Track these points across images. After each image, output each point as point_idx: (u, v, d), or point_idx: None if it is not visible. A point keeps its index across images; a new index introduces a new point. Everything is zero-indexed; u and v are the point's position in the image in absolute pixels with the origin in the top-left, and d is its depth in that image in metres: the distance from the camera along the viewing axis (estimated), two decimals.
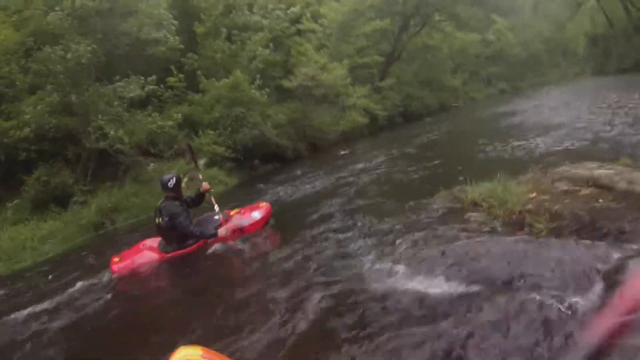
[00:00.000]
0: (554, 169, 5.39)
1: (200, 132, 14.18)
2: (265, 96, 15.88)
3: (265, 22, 17.69)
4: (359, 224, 5.64)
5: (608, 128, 9.27)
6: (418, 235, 4.39)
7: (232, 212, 6.33)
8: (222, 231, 5.89)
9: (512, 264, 3.20)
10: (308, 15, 21.49)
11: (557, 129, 10.52)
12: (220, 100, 15.13)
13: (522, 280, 2.98)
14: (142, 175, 11.80)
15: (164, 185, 5.84)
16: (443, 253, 3.68)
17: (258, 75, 16.08)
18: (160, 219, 5.75)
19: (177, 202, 5.82)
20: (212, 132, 14.25)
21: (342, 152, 16.43)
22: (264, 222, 6.30)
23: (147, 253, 5.91)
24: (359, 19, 24.32)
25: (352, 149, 17.06)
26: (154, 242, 6.06)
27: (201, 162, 12.72)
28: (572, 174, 4.94)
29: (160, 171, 11.40)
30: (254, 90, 15.37)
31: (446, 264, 3.50)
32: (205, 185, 6.40)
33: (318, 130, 19.28)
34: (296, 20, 20.41)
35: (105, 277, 5.78)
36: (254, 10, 18.05)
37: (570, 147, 8.22)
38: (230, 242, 5.88)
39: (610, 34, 33.24)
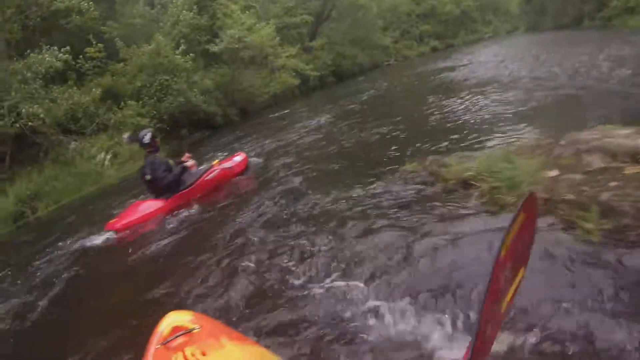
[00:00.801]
0: (565, 135, 4.10)
1: (122, 103, 13.88)
2: (190, 62, 15.67)
3: None
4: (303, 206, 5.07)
5: (572, 82, 9.08)
6: (388, 236, 3.59)
7: (214, 163, 7.14)
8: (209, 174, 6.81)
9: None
10: None
11: (514, 83, 10.59)
12: (143, 68, 14.80)
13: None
14: (63, 155, 11.38)
15: (140, 142, 6.41)
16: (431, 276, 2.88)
17: (182, 40, 15.84)
18: (149, 176, 6.32)
19: (157, 154, 6.43)
20: (134, 103, 13.98)
21: (276, 114, 16.58)
22: (244, 165, 7.34)
23: (146, 205, 6.43)
24: None
25: (289, 110, 17.11)
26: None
27: (124, 136, 12.58)
28: (603, 143, 3.57)
29: (82, 150, 11.29)
30: (177, 56, 15.11)
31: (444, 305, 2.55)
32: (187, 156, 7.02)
33: (248, 94, 19.33)
34: None
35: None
36: None
37: (549, 105, 7.54)
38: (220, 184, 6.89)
39: None
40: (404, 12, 39.91)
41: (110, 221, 6.20)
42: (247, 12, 20.50)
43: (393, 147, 6.51)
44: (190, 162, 6.85)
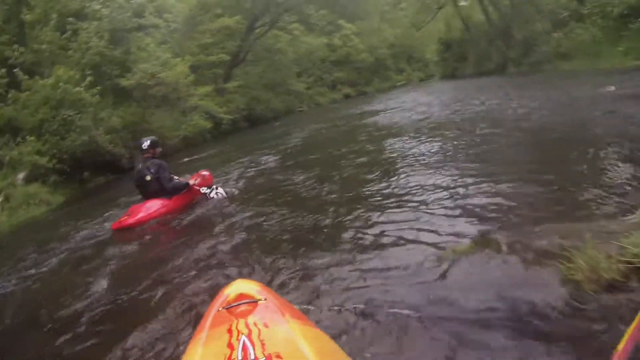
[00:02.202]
0: None
1: (20, 139, 12.64)
2: (97, 96, 14.75)
3: (105, 10, 16.35)
4: None
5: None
6: None
7: (189, 176, 7.87)
8: (192, 181, 7.49)
9: None
10: (151, 9, 20.40)
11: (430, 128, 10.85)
12: (48, 100, 13.63)
13: None
14: None
15: (140, 147, 7.12)
16: None
17: (90, 72, 14.89)
18: (149, 176, 6.92)
19: (156, 159, 7.08)
20: (34, 139, 12.76)
21: (185, 160, 15.95)
22: (211, 179, 8.06)
23: (151, 203, 7.01)
24: (206, 14, 23.75)
25: (199, 156, 16.38)
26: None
27: (20, 176, 11.41)
28: None
29: None
30: (80, 89, 14.08)
31: None
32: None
33: (158, 135, 18.27)
34: (139, 14, 19.24)
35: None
36: None
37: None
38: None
39: (468, 38, 37.00)
40: (319, 58, 40.90)
41: (119, 219, 6.84)
42: (162, 46, 19.84)
43: (339, 211, 5.54)
44: (192, 182, 7.52)
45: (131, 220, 6.68)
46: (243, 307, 1.98)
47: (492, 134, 8.65)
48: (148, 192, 7.08)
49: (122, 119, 16.69)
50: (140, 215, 6.79)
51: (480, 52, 33.85)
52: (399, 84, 47.49)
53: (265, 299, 2.04)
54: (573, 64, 20.93)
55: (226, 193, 7.56)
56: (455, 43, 38.94)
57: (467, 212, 4.44)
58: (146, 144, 7.06)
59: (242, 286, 2.19)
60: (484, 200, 4.68)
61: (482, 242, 3.28)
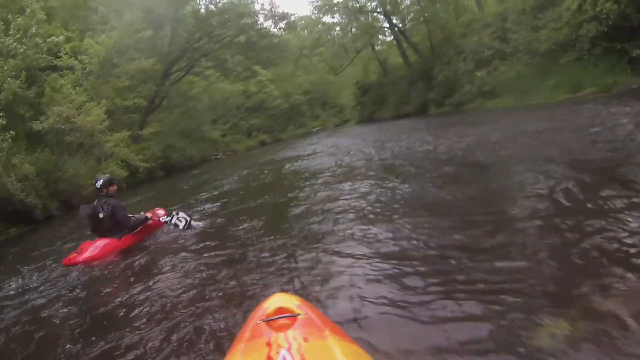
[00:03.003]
0: None
1: None
2: (9, 140, 13.60)
3: (21, 48, 15.27)
4: None
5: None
6: None
7: (143, 213, 7.82)
8: (148, 216, 7.62)
9: None
10: (67, 49, 19.40)
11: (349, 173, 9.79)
12: None
13: None
14: None
15: (95, 186, 7.14)
16: None
17: (1, 113, 13.75)
18: (102, 214, 6.93)
19: (112, 199, 7.12)
20: None
21: None
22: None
23: (102, 241, 6.92)
24: (122, 56, 22.99)
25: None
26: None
27: None
28: None
29: None
30: None
31: None
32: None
33: (73, 184, 17.39)
34: (54, 54, 18.22)
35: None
36: (10, 31, 15.55)
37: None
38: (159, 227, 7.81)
39: (386, 81, 37.91)
40: (234, 105, 40.80)
41: (68, 256, 6.74)
42: (77, 88, 18.82)
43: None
44: (150, 215, 7.67)
45: (81, 258, 6.63)
46: (282, 321, 2.00)
47: (417, 174, 8.50)
48: (99, 230, 7.11)
49: (35, 165, 15.50)
50: (92, 252, 6.75)
51: (399, 95, 34.84)
52: (314, 129, 48.41)
53: (305, 314, 2.06)
54: (498, 101, 21.84)
55: (189, 217, 7.55)
56: (372, 86, 40.20)
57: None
58: (99, 182, 7.14)
59: (281, 300, 2.22)
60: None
61: None
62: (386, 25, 39.38)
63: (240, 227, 6.84)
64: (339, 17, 41.82)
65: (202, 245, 6.31)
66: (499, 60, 23.77)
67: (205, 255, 5.70)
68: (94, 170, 19.40)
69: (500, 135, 11.33)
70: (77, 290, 5.55)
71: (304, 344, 1.76)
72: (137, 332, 3.79)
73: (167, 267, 5.54)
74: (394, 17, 37.43)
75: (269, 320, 2.00)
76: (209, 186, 14.79)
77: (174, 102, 30.66)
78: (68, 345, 3.90)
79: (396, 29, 37.09)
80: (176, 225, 7.45)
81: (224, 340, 3.22)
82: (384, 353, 2.63)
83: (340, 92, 52.68)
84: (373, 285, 3.61)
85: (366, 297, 3.40)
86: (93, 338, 3.87)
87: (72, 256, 6.71)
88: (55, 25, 19.30)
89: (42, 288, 5.96)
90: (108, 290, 5.34)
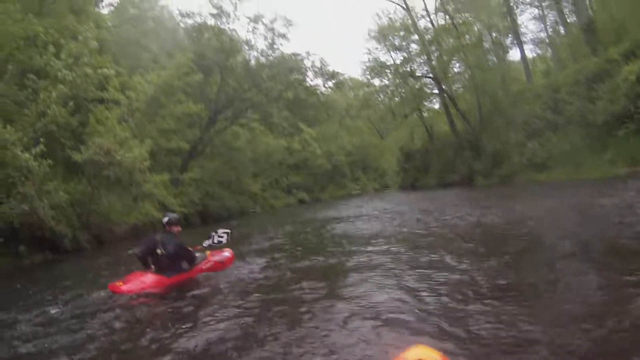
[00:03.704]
0: None
1: None
2: (47, 167, 13.38)
3: (70, 75, 15.25)
4: None
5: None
6: None
7: (207, 253, 8.08)
8: (205, 263, 7.79)
9: None
10: (116, 82, 19.55)
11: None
12: None
13: None
14: None
15: (163, 220, 7.32)
16: None
17: (42, 140, 13.55)
18: (160, 251, 7.00)
19: (174, 237, 7.21)
20: None
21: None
22: (232, 260, 8.34)
23: (151, 276, 6.99)
24: (170, 97, 23.13)
25: None
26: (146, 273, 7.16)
27: None
28: None
29: None
30: (29, 157, 12.75)
31: None
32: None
33: (106, 219, 17.17)
34: (103, 87, 18.33)
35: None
36: (62, 56, 15.54)
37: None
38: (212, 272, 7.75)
39: (432, 148, 37.24)
40: (276, 160, 40.76)
41: (114, 283, 6.82)
42: (122, 124, 18.76)
43: None
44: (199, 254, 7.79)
45: (125, 288, 6.68)
46: None
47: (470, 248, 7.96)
48: (154, 264, 7.18)
49: (69, 195, 15.23)
50: (137, 285, 6.78)
51: (444, 163, 34.17)
52: (354, 192, 47.88)
53: None
54: (550, 174, 20.96)
55: (229, 229, 8.33)
56: (417, 152, 39.51)
57: None
58: (167, 219, 7.31)
59: (421, 353, 2.15)
60: None
61: None
62: (435, 91, 39.22)
63: (287, 282, 6.76)
64: (388, 80, 41.90)
65: (248, 294, 6.26)
66: (551, 132, 23.10)
67: (251, 306, 5.58)
68: (129, 208, 19.14)
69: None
70: (108, 323, 5.38)
71: None
72: None
73: (211, 314, 5.34)
74: (443, 85, 37.15)
75: None
76: (249, 239, 14.11)
77: (217, 150, 30.72)
78: None
79: (445, 94, 36.73)
80: (220, 242, 8.22)
81: None
82: None
83: (382, 156, 52.43)
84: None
85: None
86: None
87: (118, 284, 6.76)
88: (106, 58, 19.41)
89: (63, 318, 5.82)
90: (140, 328, 5.16)
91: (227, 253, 8.38)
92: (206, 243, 8.16)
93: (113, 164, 17.12)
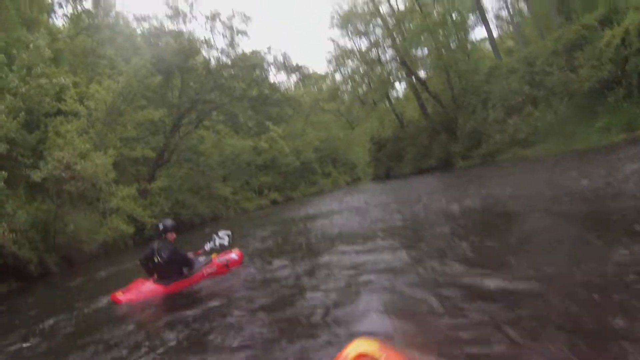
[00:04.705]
0: None
1: None
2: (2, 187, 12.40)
3: (23, 87, 14.17)
4: None
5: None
6: None
7: (212, 256, 8.03)
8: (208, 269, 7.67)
9: None
10: (73, 94, 18.50)
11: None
12: None
13: None
14: None
15: (158, 227, 7.35)
16: None
17: None
18: (157, 259, 7.00)
19: (170, 244, 7.19)
20: None
21: (109, 270, 12.83)
22: (240, 261, 8.28)
23: (150, 286, 7.04)
24: (130, 103, 22.04)
25: (122, 267, 12.91)
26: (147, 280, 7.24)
27: None
28: None
29: None
30: None
31: None
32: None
33: (73, 238, 16.06)
34: (59, 99, 17.26)
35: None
36: (14, 68, 14.54)
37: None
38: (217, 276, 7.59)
39: (404, 135, 36.69)
40: (244, 161, 40.04)
41: (115, 293, 6.88)
42: (83, 135, 17.66)
43: None
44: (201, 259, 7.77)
45: (124, 298, 6.79)
46: None
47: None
48: (154, 272, 7.23)
49: (32, 215, 14.17)
50: (135, 295, 6.87)
51: (419, 148, 33.79)
52: (326, 187, 47.41)
53: (386, 356, 2.04)
54: (537, 149, 20.51)
55: (227, 236, 8.29)
56: (388, 141, 39.02)
57: None
58: (163, 226, 7.32)
59: (361, 345, 2.15)
60: None
61: None
62: (404, 75, 38.62)
63: (280, 282, 6.54)
64: (354, 67, 41.38)
65: (249, 296, 6.20)
66: (531, 106, 22.63)
67: (254, 308, 5.46)
68: (96, 224, 18.12)
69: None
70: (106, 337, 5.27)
71: None
72: None
73: (215, 319, 5.28)
74: (411, 67, 36.67)
75: None
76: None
77: (184, 156, 29.81)
78: None
79: (414, 77, 36.28)
80: (222, 245, 8.18)
81: None
82: None
83: (351, 148, 52.09)
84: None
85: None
86: None
87: (118, 293, 6.89)
88: (62, 69, 18.30)
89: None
90: (137, 339, 5.08)
91: (234, 255, 8.34)
92: (207, 246, 8.16)
93: (75, 177, 16.05)
